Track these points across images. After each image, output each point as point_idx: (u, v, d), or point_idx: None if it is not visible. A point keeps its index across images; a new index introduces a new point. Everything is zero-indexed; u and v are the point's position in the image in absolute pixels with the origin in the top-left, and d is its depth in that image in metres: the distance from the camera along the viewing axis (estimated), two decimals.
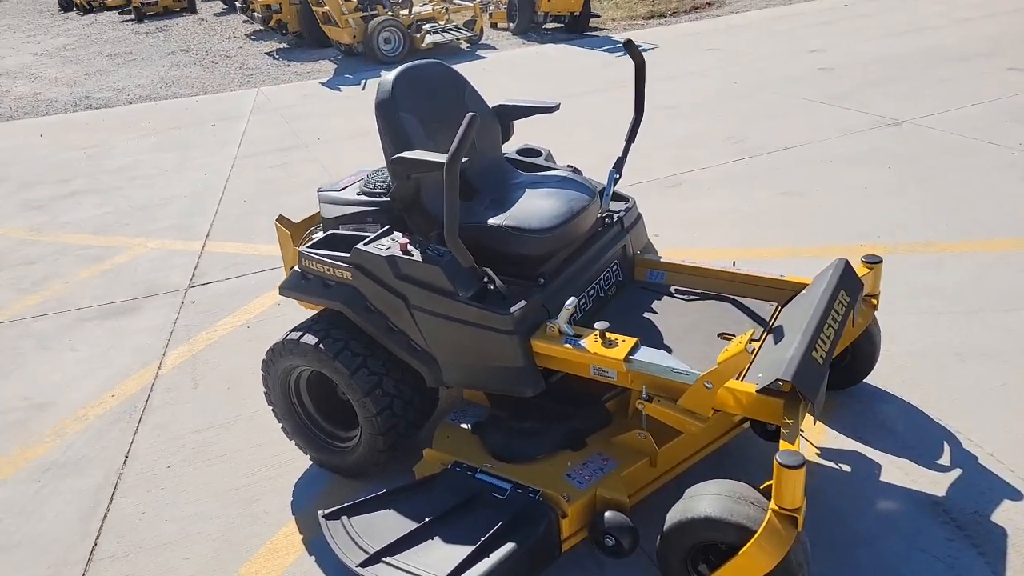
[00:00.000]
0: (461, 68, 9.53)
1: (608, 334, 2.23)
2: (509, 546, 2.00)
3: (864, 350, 2.75)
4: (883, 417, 2.72)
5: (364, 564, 2.03)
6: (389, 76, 2.59)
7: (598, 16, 12.04)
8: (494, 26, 12.05)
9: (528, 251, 2.40)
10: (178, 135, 7.55)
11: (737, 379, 2.19)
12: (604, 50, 9.73)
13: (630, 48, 2.75)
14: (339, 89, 8.85)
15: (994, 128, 5.44)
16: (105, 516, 2.64)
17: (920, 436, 2.61)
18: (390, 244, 2.42)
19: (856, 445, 2.61)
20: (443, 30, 10.16)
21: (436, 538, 2.08)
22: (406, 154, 2.38)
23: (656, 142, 5.91)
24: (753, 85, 7.33)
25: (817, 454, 2.59)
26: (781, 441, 1.91)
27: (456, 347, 2.36)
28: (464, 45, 10.68)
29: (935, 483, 2.41)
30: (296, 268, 2.62)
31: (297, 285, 2.60)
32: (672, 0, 13.38)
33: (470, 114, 2.04)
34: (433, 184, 2.52)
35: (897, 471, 2.47)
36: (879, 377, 2.88)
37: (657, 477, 2.32)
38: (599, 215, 2.77)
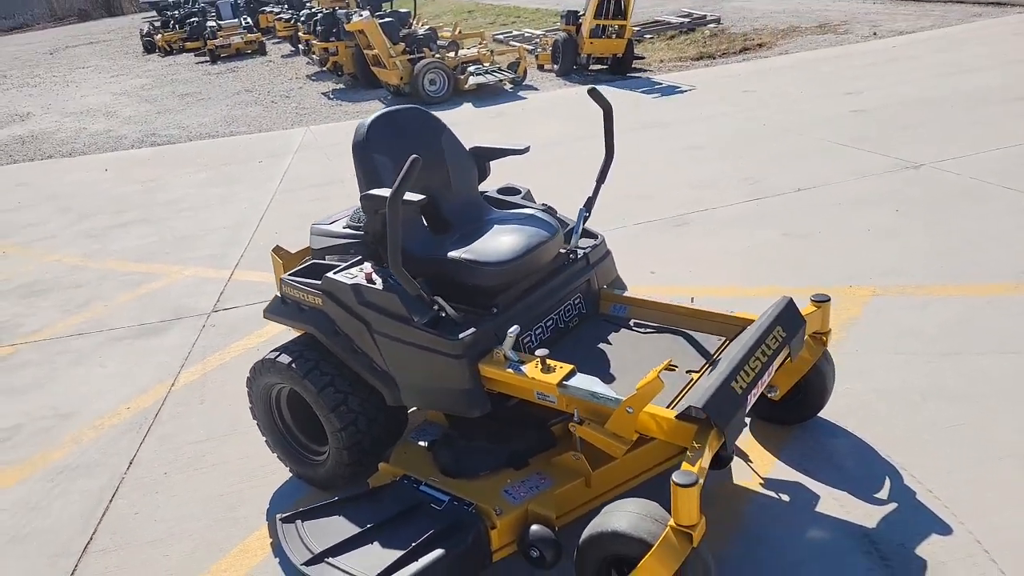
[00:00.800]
0: (502, 108, 9.95)
1: (548, 361, 2.40)
2: (438, 552, 2.18)
3: (814, 386, 2.83)
4: (831, 451, 2.79)
5: (308, 563, 2.23)
6: (366, 121, 2.86)
7: (642, 58, 12.28)
8: (541, 67, 12.41)
9: (482, 282, 2.60)
10: (228, 171, 8.07)
11: (669, 407, 2.34)
12: (641, 91, 9.95)
13: (595, 96, 2.95)
14: None
15: (1012, 173, 5.39)
16: (104, 515, 2.93)
17: (864, 470, 2.67)
18: (357, 273, 2.65)
19: (799, 476, 2.69)
20: (486, 72, 10.56)
21: (375, 542, 2.27)
22: (372, 191, 2.63)
23: (672, 182, 6.06)
24: (781, 127, 7.41)
25: (761, 484, 2.68)
26: (683, 462, 2.04)
27: (411, 369, 2.57)
28: (508, 86, 11.06)
29: (868, 515, 2.47)
30: (278, 293, 2.88)
31: (277, 309, 2.86)
32: (723, 42, 13.54)
33: (412, 156, 2.27)
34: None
35: (834, 503, 2.54)
36: (837, 413, 2.95)
37: (593, 498, 2.45)
38: (564, 251, 2.95)
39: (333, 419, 2.64)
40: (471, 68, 10.58)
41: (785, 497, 2.61)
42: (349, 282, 2.61)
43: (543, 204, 3.23)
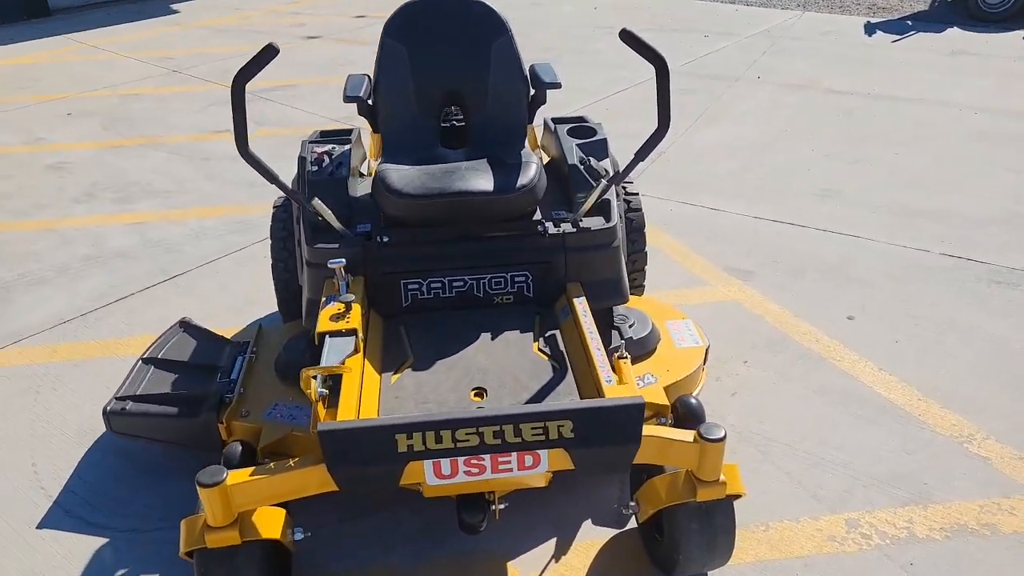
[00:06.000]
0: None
1: (346, 310, 2.16)
2: (170, 408, 2.32)
3: (670, 539, 1.91)
4: None
5: (143, 359, 2.57)
6: (405, 2, 2.67)
7: None
8: None
9: (384, 206, 2.38)
10: (672, 36, 7.74)
11: None
12: None
13: (631, 41, 2.16)
14: (871, 35, 7.62)
15: None
16: (177, 276, 3.61)
17: None
18: (323, 148, 2.64)
19: None
20: None
21: (170, 373, 2.46)
22: (352, 74, 2.55)
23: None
24: None
25: None
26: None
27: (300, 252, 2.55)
28: None
29: None
30: None
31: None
32: None
33: (268, 43, 2.10)
34: (380, 111, 2.62)
35: None
36: None
37: None
38: (536, 220, 2.43)
39: (273, 273, 2.82)
40: None
41: None
42: (304, 154, 2.64)
43: (580, 157, 2.61)
